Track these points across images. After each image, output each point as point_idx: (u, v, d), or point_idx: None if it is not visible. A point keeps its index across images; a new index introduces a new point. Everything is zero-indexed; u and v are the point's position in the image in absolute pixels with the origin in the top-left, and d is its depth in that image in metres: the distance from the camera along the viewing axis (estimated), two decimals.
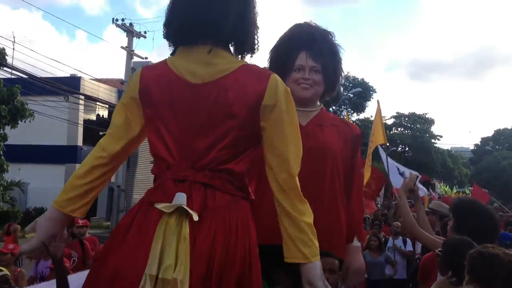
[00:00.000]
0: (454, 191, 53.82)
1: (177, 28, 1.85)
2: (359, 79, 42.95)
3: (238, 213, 1.78)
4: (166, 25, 1.91)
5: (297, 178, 1.84)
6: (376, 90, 44.32)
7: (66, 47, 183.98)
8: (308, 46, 2.45)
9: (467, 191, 55.42)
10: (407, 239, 8.30)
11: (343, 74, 2.65)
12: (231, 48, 1.90)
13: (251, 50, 1.93)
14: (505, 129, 56.95)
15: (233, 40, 1.88)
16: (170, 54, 1.92)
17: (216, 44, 1.81)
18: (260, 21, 1.95)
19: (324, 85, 2.50)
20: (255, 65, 1.90)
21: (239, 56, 1.92)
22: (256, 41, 1.93)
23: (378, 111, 9.81)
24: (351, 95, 38.81)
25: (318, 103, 2.58)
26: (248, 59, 1.94)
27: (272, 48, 2.60)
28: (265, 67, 2.50)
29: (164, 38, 1.92)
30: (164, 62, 1.89)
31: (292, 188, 1.82)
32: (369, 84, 43.16)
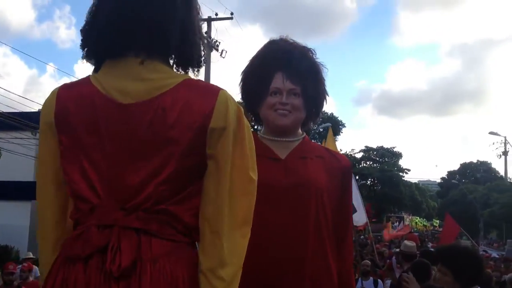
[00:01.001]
0: (423, 223, 54.55)
1: (101, 35, 1.46)
2: (328, 113, 43.69)
3: (183, 265, 1.39)
4: (85, 31, 1.51)
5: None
6: (345, 125, 45.10)
7: (35, 81, 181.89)
8: (285, 66, 2.08)
9: (435, 223, 56.29)
10: (378, 280, 8.06)
11: (327, 97, 2.23)
12: (170, 62, 1.55)
13: (198, 64, 1.59)
14: (471, 163, 58.39)
15: (174, 51, 1.51)
16: (93, 71, 1.55)
17: (151, 56, 1.45)
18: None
19: (305, 110, 2.12)
20: (200, 80, 1.54)
21: (181, 71, 1.57)
22: (202, 54, 1.59)
23: (330, 135, 9.83)
24: (321, 129, 39.39)
25: (300, 131, 2.19)
26: (192, 76, 1.59)
27: (243, 70, 2.21)
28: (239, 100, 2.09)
29: (82, 48, 1.52)
30: (86, 79, 1.51)
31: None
32: (338, 118, 43.90)
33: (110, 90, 1.44)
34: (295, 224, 1.96)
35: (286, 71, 2.08)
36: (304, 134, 2.20)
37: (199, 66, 1.59)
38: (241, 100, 2.19)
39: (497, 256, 16.08)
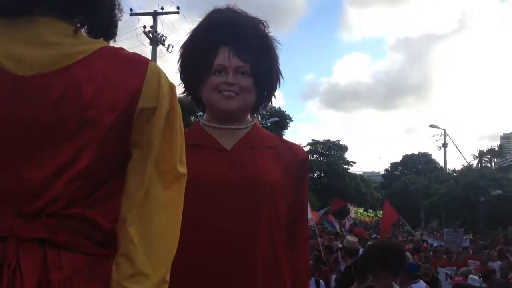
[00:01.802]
0: (369, 214, 56.12)
1: None
2: (276, 108, 44.02)
3: (102, 285, 1.10)
4: None
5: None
6: (292, 119, 45.60)
7: None
8: (232, 39, 1.75)
9: (379, 214, 58.00)
10: (320, 281, 7.53)
11: (281, 78, 1.89)
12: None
13: (113, 36, 1.29)
14: (413, 155, 60.46)
15: (88, 13, 1.18)
16: None
17: (55, 14, 1.12)
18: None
19: (255, 92, 1.78)
20: (121, 48, 1.22)
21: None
22: (117, 21, 1.27)
23: None
24: (269, 124, 39.68)
25: (249, 118, 1.86)
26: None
27: (182, 45, 1.86)
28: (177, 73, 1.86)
29: None
30: None
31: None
32: (286, 113, 44.34)
33: (1, 58, 1.08)
34: (242, 228, 1.64)
35: (232, 45, 1.74)
36: (255, 121, 1.87)
37: (114, 36, 1.29)
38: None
39: (435, 245, 16.81)
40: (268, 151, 1.79)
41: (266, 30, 1.83)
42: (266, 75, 1.80)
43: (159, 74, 1.19)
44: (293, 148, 1.87)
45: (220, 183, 1.65)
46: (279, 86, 1.90)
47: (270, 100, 1.91)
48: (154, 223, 1.13)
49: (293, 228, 1.79)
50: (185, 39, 1.85)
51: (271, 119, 38.28)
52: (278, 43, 1.86)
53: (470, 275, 7.57)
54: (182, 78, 1.86)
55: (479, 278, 7.55)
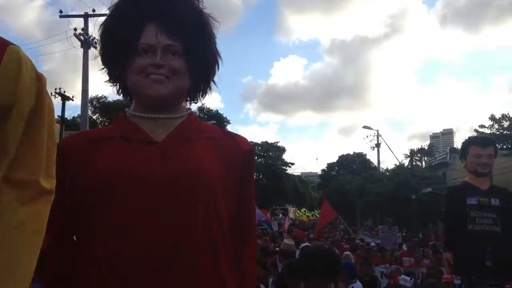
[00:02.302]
0: (307, 213, 56.98)
1: None
2: (214, 110, 43.92)
3: None
4: None
5: None
6: (230, 121, 45.64)
7: None
8: (160, 14, 1.48)
9: (317, 214, 59.11)
10: (261, 286, 7.92)
11: (220, 60, 1.62)
12: None
13: None
14: (348, 155, 61.99)
15: None
16: None
17: None
18: None
19: (189, 75, 1.53)
20: None
21: None
22: None
23: None
24: None
25: (185, 106, 1.63)
26: None
27: (102, 23, 1.58)
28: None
29: None
30: None
31: None
32: (223, 115, 44.32)
33: None
34: (176, 235, 1.36)
35: (161, 21, 1.48)
36: (191, 109, 1.62)
37: None
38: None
39: (373, 244, 17.09)
40: (206, 142, 1.53)
41: (201, 5, 1.56)
42: (201, 55, 1.54)
43: (21, 61, 0.93)
44: (236, 139, 1.61)
45: (149, 180, 1.38)
46: (218, 69, 1.63)
47: (208, 85, 1.64)
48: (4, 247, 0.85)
49: (239, 229, 1.55)
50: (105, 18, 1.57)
51: (209, 122, 38.11)
52: (215, 20, 1.58)
53: (402, 276, 7.69)
54: (103, 62, 1.59)
55: (410, 279, 7.64)
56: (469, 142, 5.59)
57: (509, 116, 52.25)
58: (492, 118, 52.69)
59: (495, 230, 4.95)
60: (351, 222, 42.60)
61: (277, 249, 9.21)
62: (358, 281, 6.33)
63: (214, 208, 1.44)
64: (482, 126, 43.23)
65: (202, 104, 51.55)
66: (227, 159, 1.53)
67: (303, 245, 8.99)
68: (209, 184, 1.44)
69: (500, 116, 52.52)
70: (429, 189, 31.15)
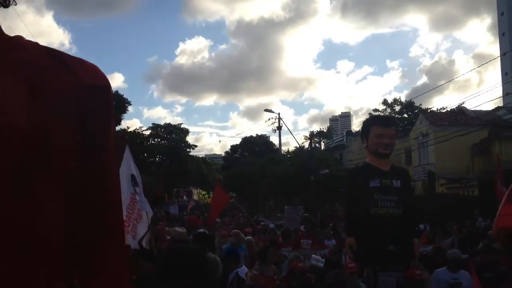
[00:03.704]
0: (210, 196, 57.09)
1: None
2: (113, 91, 42.35)
3: None
4: None
5: None
6: (131, 102, 44.30)
7: None
8: None
9: None
10: None
11: None
12: None
13: None
14: (251, 137, 62.84)
15: None
16: None
17: None
18: None
19: None
20: None
21: None
22: None
23: None
24: None
25: None
26: None
27: None
28: None
29: None
30: None
31: None
32: (123, 96, 42.86)
33: None
34: None
35: None
36: None
37: None
38: None
39: (272, 226, 17.12)
40: (14, 69, 0.97)
41: None
42: None
43: None
44: (74, 67, 1.05)
45: None
46: None
47: None
48: None
49: (89, 219, 1.04)
50: None
51: None
52: None
53: (313, 255, 7.64)
54: None
55: (322, 258, 7.68)
56: (370, 122, 5.36)
57: (400, 100, 55.86)
58: (385, 102, 56.10)
59: (396, 212, 4.81)
60: (254, 204, 43.42)
61: (168, 237, 8.97)
62: (243, 266, 6.36)
63: (26, 179, 0.92)
64: (376, 110, 45.82)
65: None
66: (56, 98, 0.99)
67: (198, 231, 8.91)
68: (14, 139, 0.91)
69: (392, 101, 56.05)
70: (327, 171, 32.50)
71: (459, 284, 6.54)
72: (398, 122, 38.41)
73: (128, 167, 8.58)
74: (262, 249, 8.06)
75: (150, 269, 7.12)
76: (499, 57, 57.74)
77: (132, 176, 8.50)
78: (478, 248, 9.66)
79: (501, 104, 37.12)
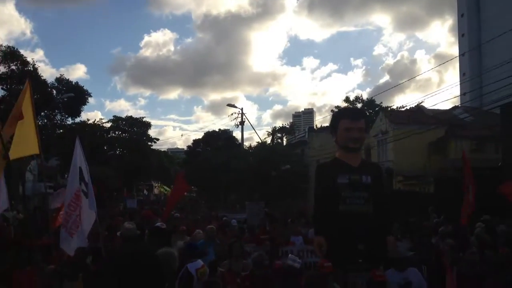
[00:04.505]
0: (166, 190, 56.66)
1: None
2: (73, 82, 41.35)
3: None
4: None
5: None
6: (91, 94, 43.32)
7: None
8: None
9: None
10: None
11: None
12: None
13: None
14: (214, 132, 62.55)
15: None
16: None
17: None
18: None
19: None
20: None
21: None
22: None
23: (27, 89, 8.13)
24: (65, 99, 37.14)
25: None
26: None
27: None
28: None
29: None
30: None
31: None
32: (84, 88, 41.90)
33: None
34: None
35: None
36: None
37: None
38: None
39: (234, 223, 16.86)
40: None
41: None
42: None
43: None
44: None
45: None
46: None
47: None
48: None
49: None
50: None
51: (67, 94, 35.82)
52: None
53: (290, 255, 7.33)
54: None
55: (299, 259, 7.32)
56: (339, 115, 5.14)
57: (362, 98, 56.67)
58: (347, 100, 56.83)
59: (366, 210, 4.64)
60: (215, 198, 43.30)
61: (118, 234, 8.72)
62: (199, 260, 6.25)
63: None
64: (338, 107, 46.26)
65: (61, 75, 48.10)
66: None
67: (154, 225, 8.77)
68: None
69: (354, 98, 56.84)
70: (288, 166, 32.75)
71: (409, 284, 6.41)
72: None
73: (76, 159, 8.12)
74: (228, 245, 7.93)
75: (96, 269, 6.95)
76: (457, 58, 59.43)
77: (80, 170, 8.03)
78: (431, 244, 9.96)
79: (459, 104, 38.26)
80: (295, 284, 6.47)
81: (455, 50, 66.39)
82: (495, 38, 36.93)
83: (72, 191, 7.83)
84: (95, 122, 49.52)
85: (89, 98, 42.37)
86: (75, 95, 36.13)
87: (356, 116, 4.87)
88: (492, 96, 24.13)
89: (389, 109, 45.34)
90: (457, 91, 62.35)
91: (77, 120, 43.64)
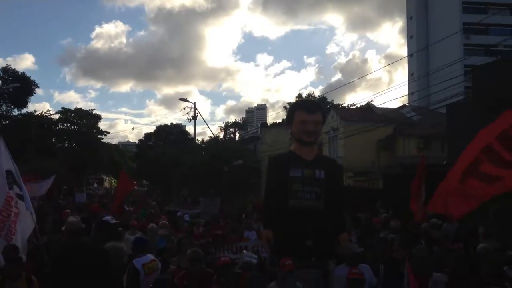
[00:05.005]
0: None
1: None
2: (20, 73, 39.94)
3: None
4: None
5: None
6: (38, 85, 42.01)
7: None
8: None
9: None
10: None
11: None
12: None
13: None
14: (166, 125, 61.90)
15: None
16: None
17: None
18: None
19: None
20: None
21: None
22: None
23: None
24: (11, 90, 35.86)
25: None
26: None
27: None
28: None
29: None
30: None
31: None
32: (30, 78, 40.52)
33: None
34: None
35: None
36: None
37: None
38: None
39: (187, 218, 16.60)
40: None
41: None
42: None
43: None
44: None
45: None
46: None
47: None
48: None
49: None
50: None
51: (12, 85, 34.56)
52: None
53: (245, 251, 7.16)
54: None
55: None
56: (294, 107, 5.00)
57: (314, 95, 57.54)
58: (300, 97, 57.55)
59: (317, 205, 4.50)
60: (166, 192, 42.86)
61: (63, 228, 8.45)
62: (148, 255, 6.17)
63: None
64: (289, 104, 46.77)
65: (7, 64, 46.34)
66: None
67: (102, 219, 8.58)
68: None
69: (307, 95, 57.65)
70: (240, 162, 32.85)
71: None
72: None
73: (2, 162, 7.41)
74: (178, 241, 7.87)
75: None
76: (406, 58, 61.20)
77: (8, 172, 7.36)
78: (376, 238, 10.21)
79: (407, 103, 39.44)
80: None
81: (404, 51, 68.31)
82: (442, 40, 38.41)
83: (1, 197, 7.23)
84: (43, 113, 48.05)
85: (36, 89, 41.21)
86: (21, 86, 34.90)
87: (312, 109, 4.69)
88: (438, 96, 25.08)
89: (340, 106, 46.24)
90: (405, 90, 64.28)
91: (24, 111, 42.25)
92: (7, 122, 39.51)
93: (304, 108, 4.72)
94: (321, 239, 4.44)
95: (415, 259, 6.99)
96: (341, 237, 4.67)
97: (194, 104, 39.66)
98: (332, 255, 4.70)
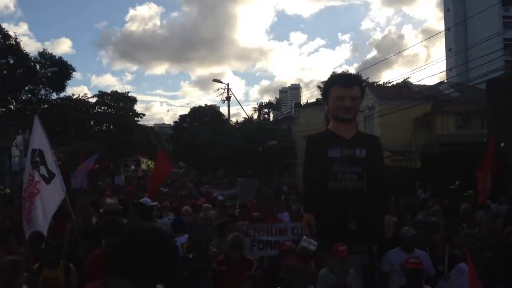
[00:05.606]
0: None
1: None
2: (57, 57, 40.68)
3: None
4: None
5: None
6: (76, 69, 42.78)
7: None
8: None
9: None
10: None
11: None
12: None
13: None
14: (200, 107, 62.24)
15: None
16: None
17: None
18: None
19: None
20: None
21: None
22: None
23: None
24: (49, 74, 36.60)
25: None
26: None
27: None
28: None
29: None
30: None
31: None
32: (68, 62, 41.26)
33: None
34: None
35: None
36: None
37: None
38: None
39: (221, 198, 16.57)
40: None
41: None
42: None
43: None
44: None
45: None
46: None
47: None
48: None
49: None
50: None
51: (50, 69, 35.24)
52: None
53: (304, 237, 6.40)
54: None
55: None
56: (330, 82, 4.68)
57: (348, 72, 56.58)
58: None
59: (359, 186, 4.24)
60: (202, 174, 43.28)
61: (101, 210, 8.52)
62: (185, 235, 6.20)
63: None
64: (324, 83, 46.24)
65: (44, 49, 47.25)
66: None
67: (138, 201, 8.66)
68: None
69: None
70: (275, 142, 32.74)
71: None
72: None
73: (34, 141, 7.34)
74: (221, 225, 7.43)
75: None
76: (443, 33, 59.43)
77: (39, 152, 7.13)
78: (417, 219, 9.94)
79: (445, 79, 38.39)
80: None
81: (441, 25, 66.35)
82: (480, 13, 37.07)
83: (26, 176, 7.22)
84: (80, 97, 48.94)
85: (74, 73, 41.89)
86: (59, 70, 35.55)
87: (349, 83, 4.39)
88: (477, 71, 24.27)
89: (375, 84, 45.40)
90: (443, 66, 62.55)
91: (62, 95, 43.15)
92: (46, 106, 40.42)
93: (340, 83, 4.44)
94: (365, 222, 4.20)
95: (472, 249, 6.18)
96: (386, 219, 4.40)
97: (228, 85, 39.67)
98: (377, 239, 4.48)
